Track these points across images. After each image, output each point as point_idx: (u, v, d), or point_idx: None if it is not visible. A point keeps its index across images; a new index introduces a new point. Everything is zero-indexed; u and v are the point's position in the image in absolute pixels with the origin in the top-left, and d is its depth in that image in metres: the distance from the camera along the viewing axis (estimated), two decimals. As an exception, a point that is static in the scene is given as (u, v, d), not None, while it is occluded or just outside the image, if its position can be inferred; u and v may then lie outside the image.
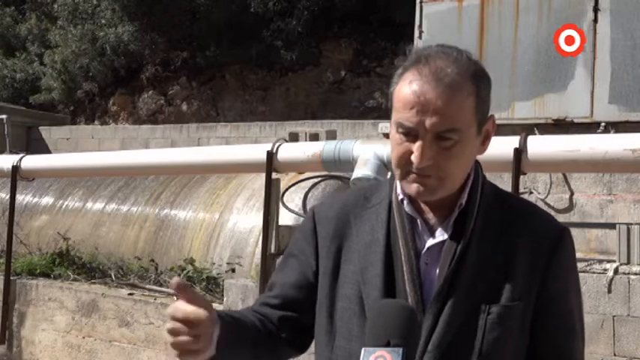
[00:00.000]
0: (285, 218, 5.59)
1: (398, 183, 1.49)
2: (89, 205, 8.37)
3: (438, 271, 1.44)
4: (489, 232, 1.46)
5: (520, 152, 4.02)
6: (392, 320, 1.33)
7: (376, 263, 1.47)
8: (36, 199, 8.95)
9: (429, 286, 1.45)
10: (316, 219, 1.59)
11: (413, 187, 1.43)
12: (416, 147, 1.39)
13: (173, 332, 1.32)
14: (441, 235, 1.46)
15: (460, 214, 1.47)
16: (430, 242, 1.47)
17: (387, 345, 1.30)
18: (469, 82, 1.41)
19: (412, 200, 1.48)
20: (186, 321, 1.31)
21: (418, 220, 1.48)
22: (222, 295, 5.68)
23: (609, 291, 4.44)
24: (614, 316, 4.42)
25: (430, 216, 1.48)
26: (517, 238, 1.46)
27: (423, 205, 1.49)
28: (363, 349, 1.30)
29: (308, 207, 5.94)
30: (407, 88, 1.40)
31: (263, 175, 5.24)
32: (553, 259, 1.47)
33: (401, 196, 1.49)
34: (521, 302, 1.43)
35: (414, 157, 1.39)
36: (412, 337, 1.32)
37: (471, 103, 1.41)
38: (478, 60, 1.47)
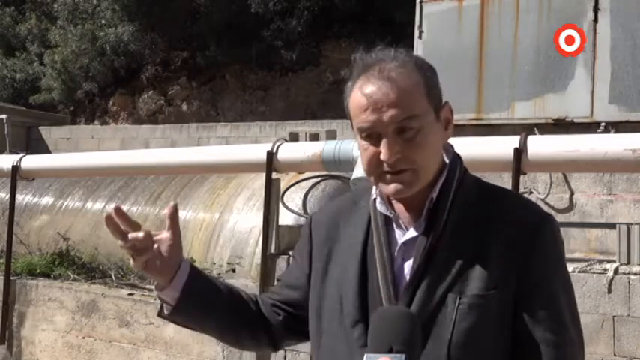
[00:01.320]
0: (285, 218, 5.59)
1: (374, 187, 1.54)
2: (89, 205, 8.37)
3: (410, 265, 1.47)
4: (464, 225, 1.47)
5: (520, 152, 4.01)
6: (394, 327, 1.35)
7: (353, 263, 1.53)
8: (36, 199, 8.95)
9: (403, 280, 1.47)
10: (312, 226, 1.67)
11: (391, 188, 1.46)
12: (382, 145, 1.44)
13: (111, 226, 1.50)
14: (414, 231, 1.50)
15: (434, 208, 1.49)
16: (404, 238, 1.50)
17: (390, 351, 1.31)
18: (413, 72, 1.47)
19: (387, 199, 1.53)
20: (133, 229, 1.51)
21: (392, 218, 1.52)
22: (222, 295, 5.67)
23: (609, 291, 4.44)
24: (614, 316, 4.42)
25: (404, 213, 1.52)
26: (495, 228, 1.46)
27: (395, 204, 1.52)
28: (365, 356, 1.32)
29: (308, 207, 5.94)
30: (358, 93, 1.47)
31: (263, 175, 5.24)
32: (533, 248, 1.45)
33: (374, 196, 1.54)
34: (497, 291, 1.42)
35: (382, 155, 1.44)
36: (414, 343, 1.34)
37: (420, 89, 1.46)
38: (417, 55, 1.55)
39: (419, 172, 1.45)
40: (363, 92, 1.45)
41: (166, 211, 1.54)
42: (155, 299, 6.12)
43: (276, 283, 1.80)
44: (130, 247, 1.50)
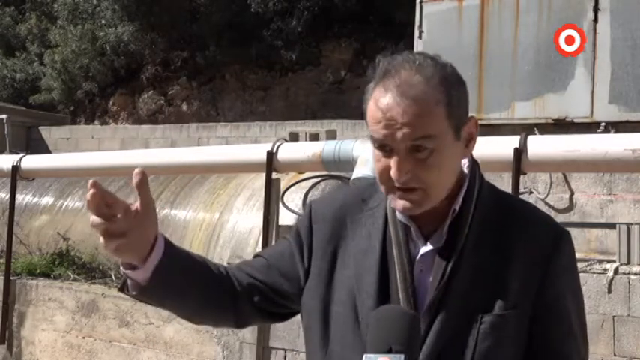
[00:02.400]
0: (285, 218, 5.58)
1: None
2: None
3: (430, 279, 1.43)
4: (486, 239, 1.44)
5: (520, 152, 4.01)
6: (393, 326, 1.32)
7: (371, 271, 1.46)
8: (36, 199, 8.95)
9: (423, 293, 1.44)
10: (313, 217, 1.58)
11: (399, 204, 1.41)
12: (392, 162, 1.38)
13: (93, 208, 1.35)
14: (434, 243, 1.45)
15: (455, 220, 1.45)
16: (424, 249, 1.45)
17: (389, 351, 1.30)
18: (436, 89, 1.38)
19: None
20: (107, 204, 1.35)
21: (412, 228, 1.46)
22: (222, 295, 5.67)
23: (609, 291, 4.44)
24: (614, 316, 4.42)
25: (424, 223, 1.47)
26: (513, 245, 1.44)
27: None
28: (364, 356, 1.30)
29: (308, 207, 5.92)
30: (373, 105, 1.40)
31: (263, 175, 5.24)
32: (549, 267, 1.45)
33: (393, 204, 1.48)
34: (516, 311, 1.42)
35: (392, 173, 1.38)
36: (413, 343, 1.32)
37: (440, 110, 1.38)
38: (447, 63, 1.44)
39: (429, 192, 1.40)
40: (378, 105, 1.39)
41: (134, 180, 1.36)
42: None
43: (253, 258, 1.66)
44: (104, 230, 1.35)
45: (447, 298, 1.41)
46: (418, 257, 1.45)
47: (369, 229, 1.50)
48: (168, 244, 1.45)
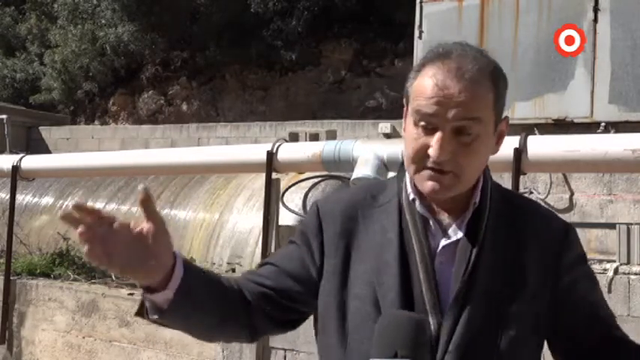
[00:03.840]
0: (285, 218, 5.58)
1: (408, 182, 1.49)
2: (89, 205, 8.36)
3: (454, 271, 1.44)
4: (500, 232, 1.47)
5: (520, 152, 4.01)
6: (399, 331, 1.33)
7: (391, 264, 1.45)
8: (36, 199, 8.95)
9: (445, 285, 1.44)
10: (321, 215, 1.55)
11: (428, 185, 1.41)
12: (435, 139, 1.38)
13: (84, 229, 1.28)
14: (454, 235, 1.46)
15: (473, 214, 1.47)
16: (444, 242, 1.46)
17: (395, 356, 1.30)
18: (489, 79, 1.42)
19: (423, 199, 1.47)
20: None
21: (430, 220, 1.47)
22: (222, 295, 5.67)
23: (609, 291, 4.44)
24: (614, 316, 4.42)
25: (442, 215, 1.47)
26: (526, 238, 1.48)
27: (434, 205, 1.48)
28: None
29: (308, 207, 5.93)
30: (429, 80, 1.41)
31: (263, 175, 5.23)
32: (562, 257, 1.49)
33: (412, 196, 1.48)
34: (535, 301, 1.45)
35: (432, 151, 1.38)
36: (420, 348, 1.32)
37: (490, 99, 1.42)
38: (495, 60, 1.48)
39: (460, 178, 1.41)
40: (435, 81, 1.39)
41: (139, 197, 1.29)
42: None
43: (259, 267, 1.61)
44: (89, 238, 1.27)
45: (472, 290, 1.42)
46: (439, 249, 1.46)
47: (383, 223, 1.49)
48: (186, 262, 1.41)
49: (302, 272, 1.53)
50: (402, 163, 1.53)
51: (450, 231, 1.46)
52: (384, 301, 1.43)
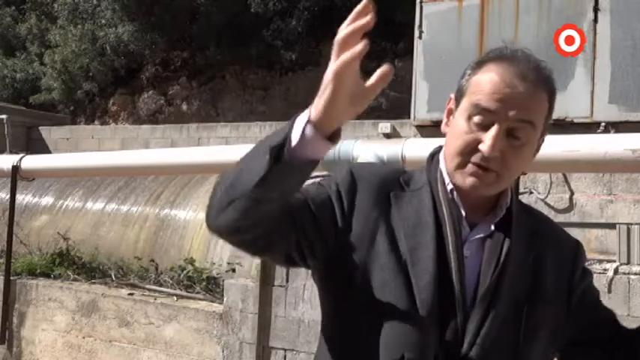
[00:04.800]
0: (285, 218, 5.58)
1: (445, 174, 1.49)
2: (89, 205, 8.37)
3: (483, 265, 1.46)
4: (525, 236, 1.51)
5: (520, 152, 4.01)
6: (406, 333, 1.35)
7: (427, 245, 1.44)
8: (36, 199, 8.95)
9: (469, 277, 1.45)
10: (356, 177, 1.50)
11: (469, 180, 1.43)
12: (490, 135, 1.39)
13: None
14: (483, 231, 1.48)
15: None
16: (472, 236, 1.48)
17: (402, 359, 1.32)
18: (547, 91, 1.45)
19: (458, 193, 1.49)
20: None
21: (463, 213, 1.48)
22: (222, 295, 5.68)
23: (609, 291, 4.44)
24: (614, 316, 4.41)
25: (472, 211, 1.49)
26: (544, 246, 1.54)
27: (463, 200, 1.49)
28: None
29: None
30: (494, 75, 1.42)
31: (263, 175, 5.23)
32: (576, 266, 1.57)
33: (450, 186, 1.48)
34: (553, 306, 1.51)
35: (484, 146, 1.39)
36: (426, 350, 1.34)
37: (545, 109, 1.45)
38: (549, 73, 1.50)
39: (502, 178, 1.43)
40: (502, 77, 1.41)
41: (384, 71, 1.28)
42: (155, 299, 6.13)
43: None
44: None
45: (500, 286, 1.45)
46: (466, 243, 1.48)
47: (416, 207, 1.49)
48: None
49: (322, 218, 1.46)
50: (433, 155, 1.54)
51: (480, 227, 1.49)
52: (419, 280, 1.41)
